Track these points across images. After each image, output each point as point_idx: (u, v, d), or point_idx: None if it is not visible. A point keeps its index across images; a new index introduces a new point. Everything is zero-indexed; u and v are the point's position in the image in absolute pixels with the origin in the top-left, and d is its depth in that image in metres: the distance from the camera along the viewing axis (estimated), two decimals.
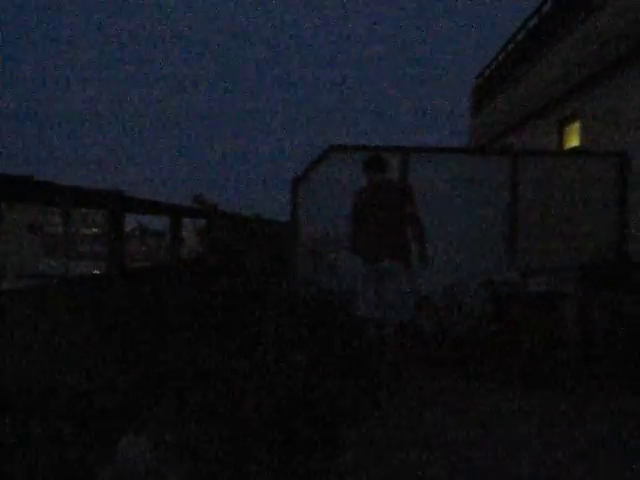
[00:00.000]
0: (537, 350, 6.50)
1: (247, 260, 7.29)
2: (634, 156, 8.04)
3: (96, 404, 3.26)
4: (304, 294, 7.47)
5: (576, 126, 10.42)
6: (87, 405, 3.20)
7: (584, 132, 9.89)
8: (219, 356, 4.56)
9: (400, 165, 8.09)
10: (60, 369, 3.24)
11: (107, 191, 4.75)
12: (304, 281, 7.68)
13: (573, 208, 8.18)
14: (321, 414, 4.39)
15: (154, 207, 5.76)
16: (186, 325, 4.86)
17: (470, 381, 6.39)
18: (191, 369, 4.15)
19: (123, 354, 3.90)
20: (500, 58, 15.67)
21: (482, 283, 7.48)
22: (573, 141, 10.63)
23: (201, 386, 3.94)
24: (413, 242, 6.38)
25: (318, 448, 3.98)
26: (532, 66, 12.59)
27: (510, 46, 14.74)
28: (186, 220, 7.20)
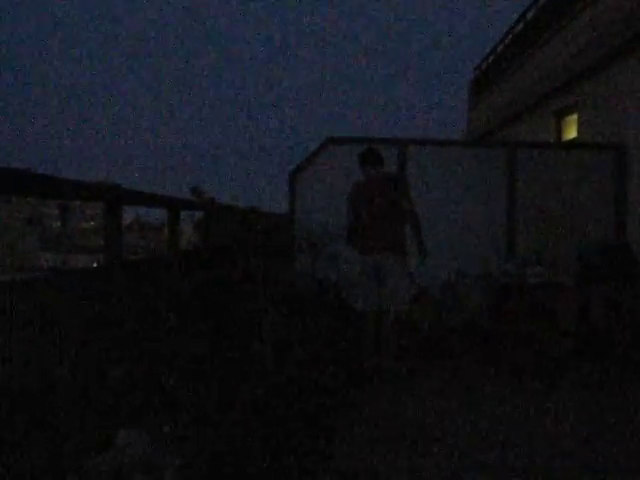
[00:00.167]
0: (535, 342, 6.52)
1: (245, 252, 7.29)
2: (632, 148, 8.04)
3: (92, 397, 3.26)
4: (302, 286, 7.48)
5: (574, 118, 10.42)
6: (83, 398, 3.20)
7: (582, 124, 9.89)
8: (213, 350, 4.56)
9: (398, 157, 8.09)
10: (54, 362, 3.24)
11: (104, 184, 4.76)
12: (302, 273, 7.69)
13: (571, 200, 8.19)
14: (315, 407, 4.40)
15: (151, 200, 5.75)
16: (182, 318, 4.86)
17: (466, 373, 6.41)
18: (186, 362, 4.16)
19: (119, 347, 3.91)
20: (498, 50, 15.66)
21: (480, 275, 7.49)
22: (571, 133, 10.63)
23: (194, 379, 3.94)
24: (410, 234, 6.40)
25: (312, 442, 3.99)
26: (530, 58, 12.58)
27: (508, 38, 14.73)
28: (184, 213, 7.19)
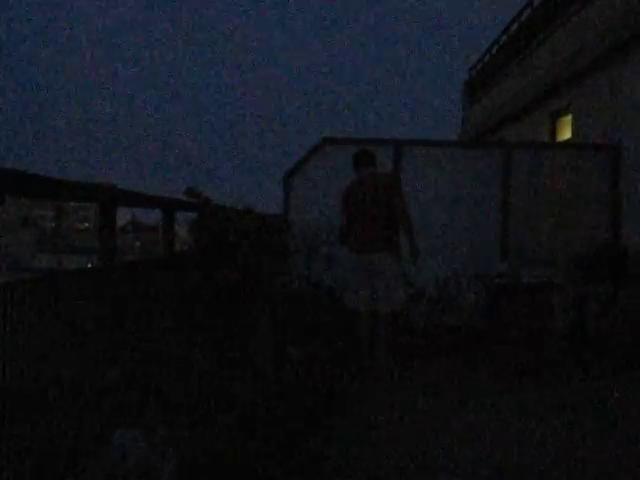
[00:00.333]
0: (529, 342, 6.52)
1: (240, 253, 7.28)
2: (626, 148, 8.05)
3: (88, 398, 3.26)
4: (297, 287, 7.48)
5: (568, 119, 10.44)
6: (78, 399, 3.20)
7: (576, 125, 9.91)
8: (211, 351, 4.56)
9: (393, 158, 8.09)
10: (48, 363, 3.23)
11: (99, 184, 4.74)
12: (297, 274, 7.68)
13: (566, 200, 8.20)
14: (312, 407, 4.40)
15: (146, 200, 5.73)
16: (178, 319, 4.86)
17: (460, 373, 6.42)
18: (182, 363, 4.15)
19: (113, 348, 3.90)
20: (493, 51, 15.67)
21: (475, 275, 7.50)
22: (565, 134, 10.64)
23: (191, 380, 3.94)
24: (403, 235, 6.42)
25: (309, 440, 3.98)
26: (524, 58, 12.60)
27: (503, 39, 14.74)
28: (179, 214, 7.17)
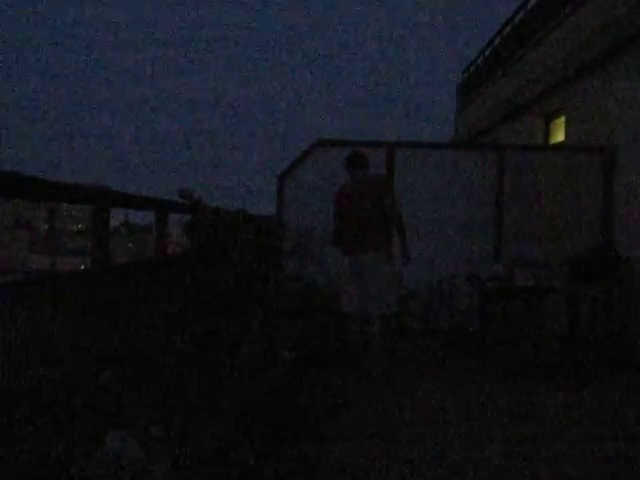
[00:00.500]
0: (523, 344, 6.54)
1: (233, 255, 7.28)
2: (619, 150, 8.08)
3: (80, 399, 3.26)
4: (290, 289, 7.48)
5: (561, 121, 10.46)
6: (71, 400, 3.19)
7: (569, 127, 9.93)
8: (203, 351, 4.56)
9: (386, 160, 8.10)
10: (40, 365, 3.23)
11: (92, 186, 4.75)
12: (290, 276, 7.68)
13: (559, 202, 8.22)
14: (304, 408, 4.40)
15: (140, 202, 5.74)
16: (171, 320, 4.85)
17: (453, 376, 6.43)
18: (176, 364, 4.15)
19: (106, 349, 3.90)
20: (487, 53, 15.70)
21: (469, 277, 7.51)
22: (559, 136, 10.67)
23: (184, 381, 3.94)
24: (396, 237, 6.44)
25: (301, 441, 3.99)
26: (518, 60, 12.62)
27: (497, 41, 14.77)
28: (173, 216, 7.18)
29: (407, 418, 5.05)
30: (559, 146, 10.05)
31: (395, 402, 5.47)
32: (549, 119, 11.06)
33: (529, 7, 12.43)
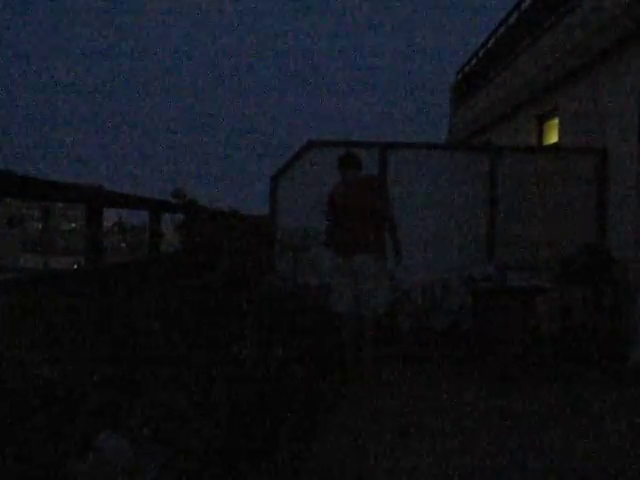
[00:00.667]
0: (516, 344, 6.55)
1: (225, 255, 7.28)
2: (612, 152, 8.09)
3: (73, 399, 3.25)
4: (283, 290, 7.47)
5: (555, 122, 10.48)
6: (63, 400, 3.19)
7: (563, 128, 9.95)
8: (196, 350, 4.56)
9: (379, 160, 8.10)
10: (32, 363, 3.22)
11: (85, 185, 4.75)
12: (283, 277, 7.68)
13: (552, 204, 8.23)
14: (296, 409, 4.41)
15: (133, 201, 5.74)
16: (164, 320, 4.85)
17: (446, 377, 6.44)
18: (168, 364, 4.15)
19: (98, 349, 3.89)
20: (480, 54, 15.72)
21: (462, 278, 7.51)
22: (552, 137, 10.69)
23: (176, 381, 3.94)
24: (389, 238, 6.45)
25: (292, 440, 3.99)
26: (512, 62, 12.64)
27: (490, 42, 14.79)
28: (166, 216, 7.18)
29: (398, 421, 5.06)
30: (553, 148, 10.06)
31: (385, 404, 5.48)
32: (542, 120, 11.08)
33: (523, 8, 12.45)
